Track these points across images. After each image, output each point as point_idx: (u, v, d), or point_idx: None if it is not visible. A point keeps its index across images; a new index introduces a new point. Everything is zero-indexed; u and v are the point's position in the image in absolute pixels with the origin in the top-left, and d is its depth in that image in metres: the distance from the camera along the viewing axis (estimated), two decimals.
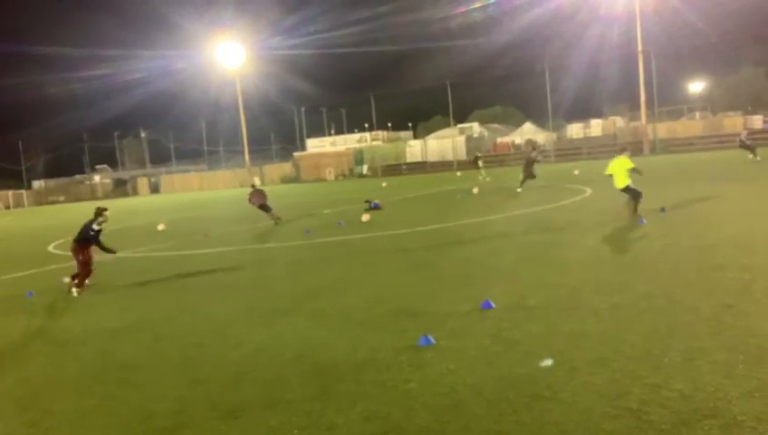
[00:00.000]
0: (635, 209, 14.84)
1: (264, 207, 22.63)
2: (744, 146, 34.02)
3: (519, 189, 25.71)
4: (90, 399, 6.19)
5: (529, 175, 25.98)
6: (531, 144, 52.23)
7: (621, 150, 15.92)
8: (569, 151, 61.17)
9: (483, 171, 40.25)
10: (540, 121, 72.87)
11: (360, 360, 6.51)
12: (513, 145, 69.04)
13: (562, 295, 8.31)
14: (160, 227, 24.27)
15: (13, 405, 6.27)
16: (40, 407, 6.11)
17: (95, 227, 12.16)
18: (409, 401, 5.31)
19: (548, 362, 5.14)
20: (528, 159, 26.95)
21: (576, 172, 35.02)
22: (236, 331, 8.21)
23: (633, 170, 14.81)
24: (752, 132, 40.09)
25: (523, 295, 8.43)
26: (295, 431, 4.96)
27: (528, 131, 72.17)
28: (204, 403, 5.75)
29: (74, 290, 11.87)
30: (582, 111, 73.76)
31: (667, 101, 70.90)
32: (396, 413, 5.10)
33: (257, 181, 26.97)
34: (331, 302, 9.27)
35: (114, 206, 25.48)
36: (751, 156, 32.52)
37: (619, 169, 14.99)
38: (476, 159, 42.60)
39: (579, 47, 66.49)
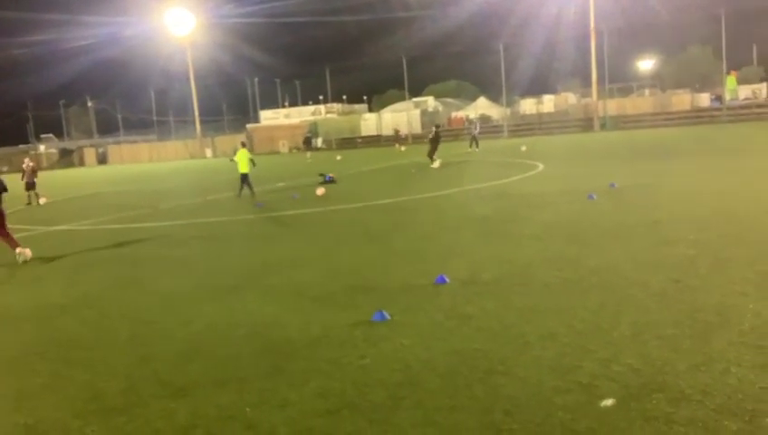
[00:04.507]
0: (240, 192, 20.90)
1: (31, 185, 25.51)
2: (474, 137, 38.70)
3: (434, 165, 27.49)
4: (36, 377, 6.01)
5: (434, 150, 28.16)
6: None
7: (243, 145, 22.21)
8: (522, 127, 61.59)
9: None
10: (494, 96, 73.24)
11: (313, 336, 6.46)
12: (467, 119, 69.42)
13: (515, 270, 8.39)
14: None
15: None
16: None
17: None
18: (363, 378, 5.29)
19: (608, 402, 4.51)
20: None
21: (523, 148, 34.71)
22: (186, 307, 8.06)
23: (251, 161, 21.03)
24: (483, 125, 44.14)
25: (476, 270, 8.48)
26: (247, 409, 4.90)
27: (482, 106, 72.49)
28: (153, 381, 5.63)
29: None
30: (536, 87, 74.41)
31: (618, 78, 71.94)
32: (350, 390, 5.08)
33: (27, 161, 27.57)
34: (283, 277, 9.17)
35: (61, 176, 24.84)
36: (471, 147, 37.40)
37: (244, 159, 20.96)
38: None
39: (533, 24, 66.95)
